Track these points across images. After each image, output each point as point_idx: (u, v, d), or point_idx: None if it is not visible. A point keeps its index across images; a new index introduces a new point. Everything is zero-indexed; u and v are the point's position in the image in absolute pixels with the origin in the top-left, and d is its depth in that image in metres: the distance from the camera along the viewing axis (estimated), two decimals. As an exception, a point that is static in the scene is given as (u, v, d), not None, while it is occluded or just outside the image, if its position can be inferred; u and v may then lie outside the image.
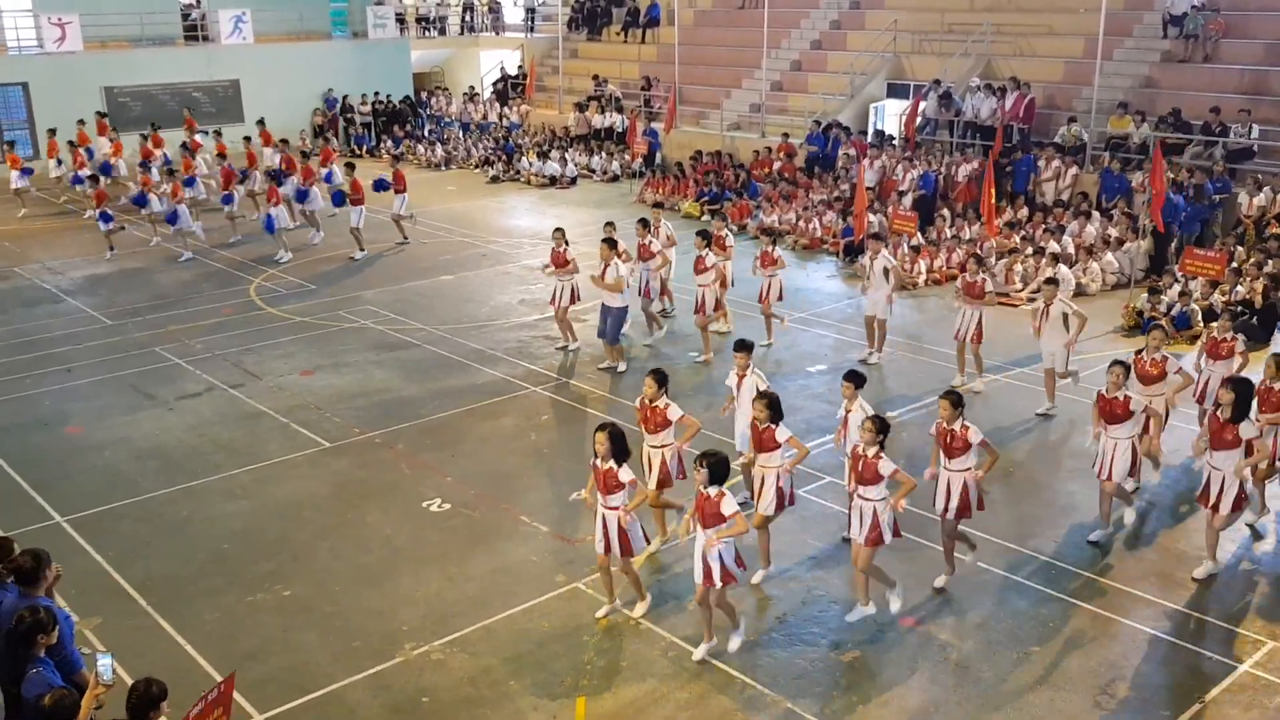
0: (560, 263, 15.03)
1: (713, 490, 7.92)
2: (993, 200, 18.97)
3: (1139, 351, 11.05)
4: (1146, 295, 16.38)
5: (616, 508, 8.54)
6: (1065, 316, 12.63)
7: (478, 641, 8.72)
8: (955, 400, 9.07)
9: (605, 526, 8.61)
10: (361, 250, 20.96)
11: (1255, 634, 8.75)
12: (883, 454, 8.39)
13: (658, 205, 18.16)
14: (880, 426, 8.44)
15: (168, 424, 13.10)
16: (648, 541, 9.01)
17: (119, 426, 13.03)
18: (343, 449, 12.35)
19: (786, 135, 26.04)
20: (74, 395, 14.05)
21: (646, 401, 9.56)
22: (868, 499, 8.47)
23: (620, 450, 8.47)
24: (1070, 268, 17.86)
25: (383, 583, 9.59)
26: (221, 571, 9.81)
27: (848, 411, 9.66)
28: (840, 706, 7.92)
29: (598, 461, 8.55)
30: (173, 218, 20.75)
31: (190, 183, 22.60)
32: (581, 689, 8.12)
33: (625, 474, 8.44)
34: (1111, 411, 9.81)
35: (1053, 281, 13.10)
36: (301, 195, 21.85)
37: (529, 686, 8.15)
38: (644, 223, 15.67)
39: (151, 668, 7.82)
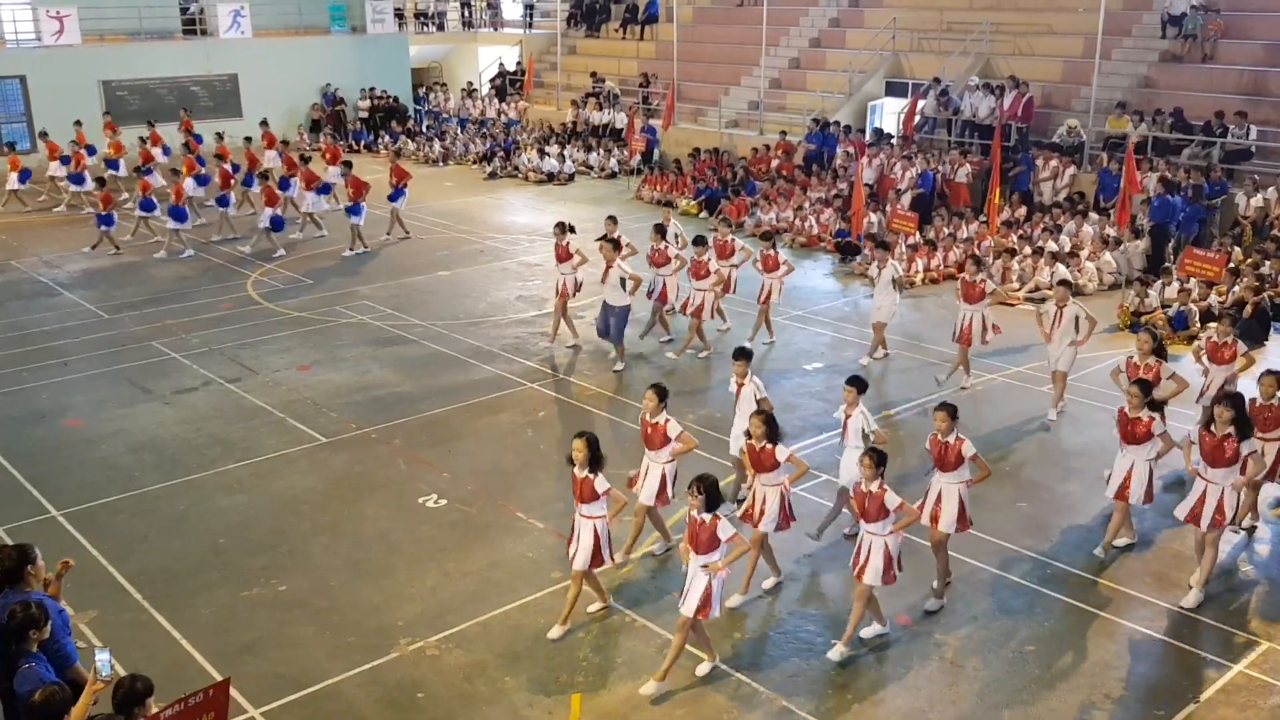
0: (563, 256, 15.01)
1: (707, 516, 7.84)
2: (995, 200, 18.99)
3: (1130, 356, 11.04)
4: (1134, 292, 16.43)
5: (591, 516, 8.51)
6: (1077, 320, 12.57)
7: (473, 637, 8.72)
8: (952, 412, 9.00)
9: (579, 534, 8.59)
10: (364, 248, 20.91)
11: (1250, 634, 8.77)
12: (886, 487, 8.24)
13: (667, 204, 18.05)
14: (878, 460, 8.26)
15: (164, 418, 13.08)
16: (613, 559, 8.88)
17: (115, 420, 13.02)
18: (339, 444, 12.34)
19: (784, 133, 26.04)
20: (70, 389, 14.03)
21: (647, 417, 9.50)
22: (875, 534, 8.33)
23: (596, 458, 8.42)
24: (1068, 267, 17.89)
25: (379, 578, 9.59)
26: (217, 566, 9.80)
27: (847, 416, 9.65)
28: (835, 704, 7.93)
29: (575, 470, 8.52)
30: (178, 214, 20.70)
31: (203, 179, 22.66)
32: (577, 685, 8.12)
33: (601, 483, 8.40)
34: (1132, 432, 9.62)
35: (1066, 283, 13.05)
36: (284, 184, 21.81)
37: (524, 682, 8.16)
38: (659, 229, 15.58)
39: (147, 662, 7.84)
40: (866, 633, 8.69)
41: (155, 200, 21.65)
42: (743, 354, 10.47)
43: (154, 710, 5.69)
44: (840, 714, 7.83)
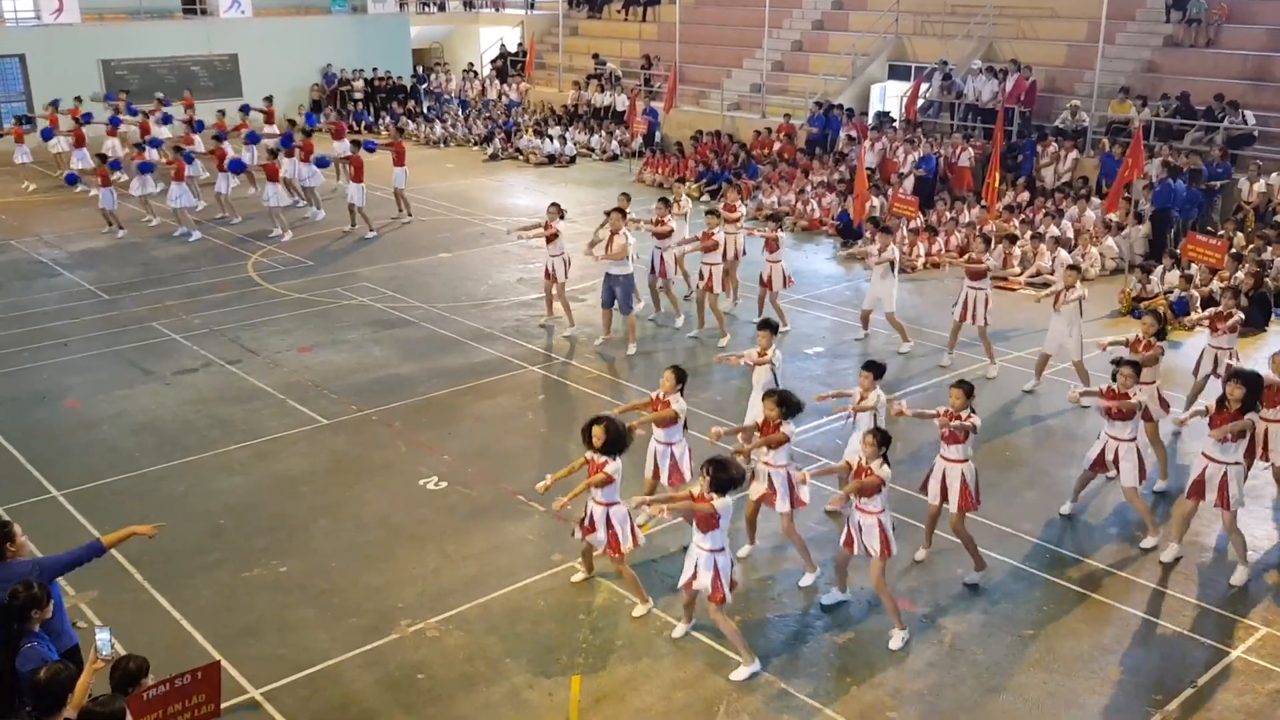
0: (551, 238, 14.99)
1: (713, 497, 7.81)
2: (995, 185, 18.91)
3: (1135, 337, 11.04)
4: (1136, 279, 16.43)
5: (604, 503, 8.53)
6: (1080, 304, 12.58)
7: (474, 619, 8.74)
8: (968, 390, 9.00)
9: (593, 519, 8.62)
10: (371, 231, 20.82)
11: (1249, 620, 8.78)
12: (886, 464, 8.22)
13: (680, 181, 17.98)
14: (881, 440, 8.24)
15: (165, 399, 13.09)
16: (634, 543, 8.83)
17: (116, 401, 13.02)
18: (340, 426, 12.34)
19: (788, 116, 25.95)
20: (71, 369, 14.03)
21: (661, 396, 9.48)
22: (869, 511, 8.31)
23: (614, 444, 8.42)
24: (1069, 252, 17.86)
25: (379, 560, 9.61)
26: (218, 547, 9.82)
27: (862, 399, 9.60)
28: (834, 688, 7.95)
29: (593, 455, 8.52)
30: (175, 194, 20.64)
31: (190, 158, 22.52)
32: (577, 667, 8.14)
33: (612, 468, 8.41)
34: (1118, 409, 9.63)
35: (1075, 268, 13.07)
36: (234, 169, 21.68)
37: (524, 664, 8.18)
38: (664, 202, 15.64)
39: (148, 642, 7.86)
40: (825, 596, 8.93)
41: (152, 164, 21.61)
42: (767, 326, 10.49)
43: (148, 684, 5.71)
44: (839, 697, 7.85)
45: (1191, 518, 9.53)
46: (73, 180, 22.90)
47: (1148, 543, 9.82)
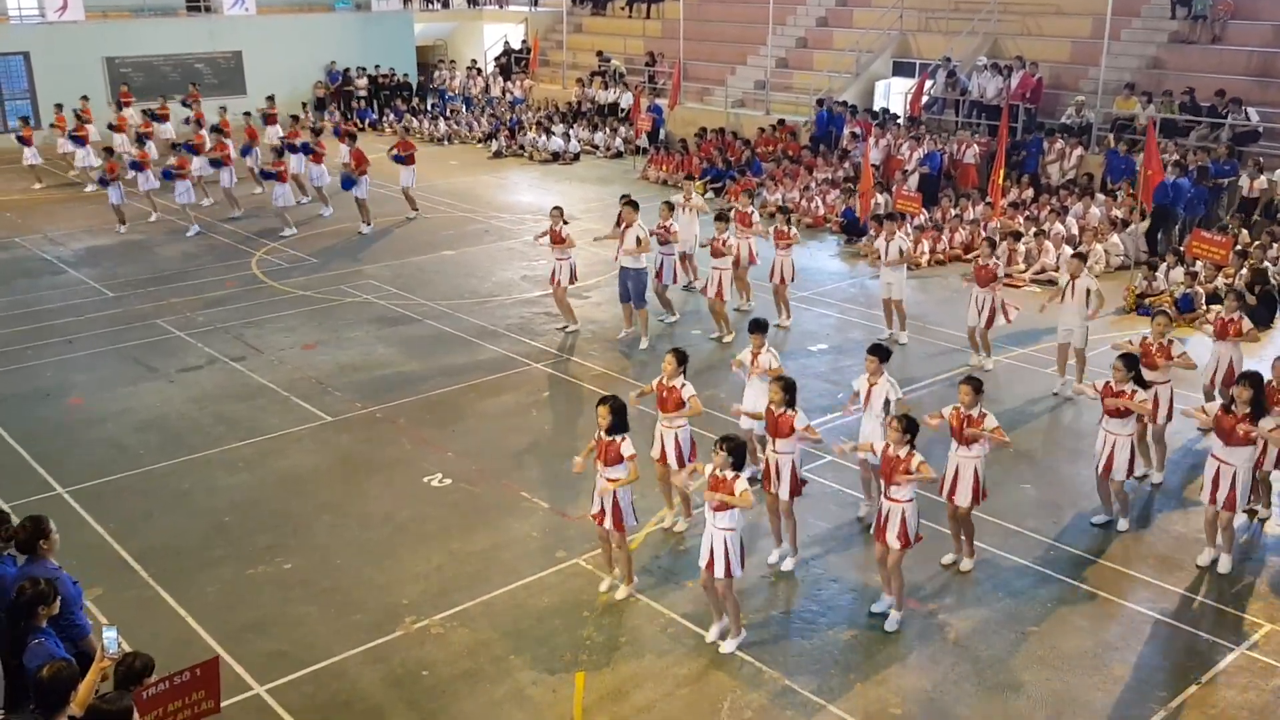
0: (557, 240, 15.00)
1: (729, 474, 7.87)
2: (1000, 181, 18.88)
3: (1144, 337, 10.99)
4: (1141, 276, 16.37)
5: (615, 480, 8.58)
6: (1089, 293, 12.57)
7: (478, 616, 8.75)
8: (977, 386, 9.02)
9: (604, 496, 8.68)
10: (368, 224, 20.84)
11: (1253, 617, 8.76)
12: (915, 453, 8.24)
13: (689, 178, 17.99)
14: (908, 426, 8.25)
15: (169, 396, 13.10)
16: (636, 520, 8.93)
17: (120, 398, 13.04)
18: (344, 423, 12.35)
19: (782, 121, 25.90)
20: (75, 367, 14.05)
21: (664, 381, 9.53)
22: (896, 500, 8.33)
23: (621, 424, 8.51)
24: (1074, 248, 17.80)
25: (383, 557, 9.62)
26: (222, 544, 9.84)
27: (871, 385, 9.61)
28: (838, 684, 7.95)
29: (602, 434, 8.57)
30: (181, 190, 20.64)
31: (193, 150, 22.56)
32: (581, 664, 8.15)
33: (627, 448, 8.48)
34: (1114, 406, 9.63)
35: (1080, 256, 13.05)
36: (268, 174, 21.53)
37: (529, 661, 8.19)
38: (669, 204, 15.62)
39: (152, 639, 7.87)
40: (876, 604, 8.80)
41: (150, 172, 21.60)
42: (758, 327, 10.55)
43: (148, 682, 5.72)
44: (843, 693, 7.85)
45: (1217, 522, 9.39)
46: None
47: (1121, 525, 9.97)
